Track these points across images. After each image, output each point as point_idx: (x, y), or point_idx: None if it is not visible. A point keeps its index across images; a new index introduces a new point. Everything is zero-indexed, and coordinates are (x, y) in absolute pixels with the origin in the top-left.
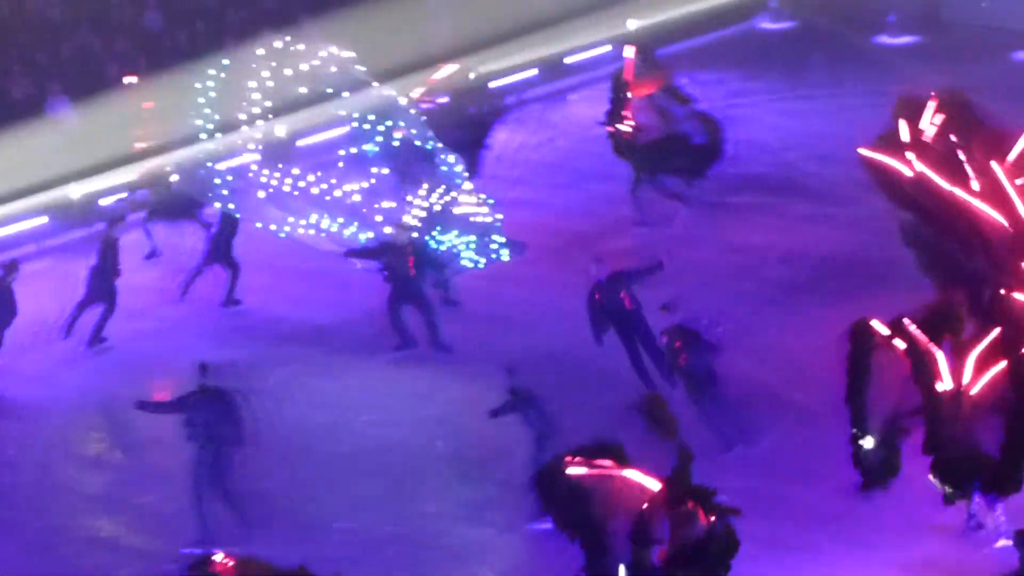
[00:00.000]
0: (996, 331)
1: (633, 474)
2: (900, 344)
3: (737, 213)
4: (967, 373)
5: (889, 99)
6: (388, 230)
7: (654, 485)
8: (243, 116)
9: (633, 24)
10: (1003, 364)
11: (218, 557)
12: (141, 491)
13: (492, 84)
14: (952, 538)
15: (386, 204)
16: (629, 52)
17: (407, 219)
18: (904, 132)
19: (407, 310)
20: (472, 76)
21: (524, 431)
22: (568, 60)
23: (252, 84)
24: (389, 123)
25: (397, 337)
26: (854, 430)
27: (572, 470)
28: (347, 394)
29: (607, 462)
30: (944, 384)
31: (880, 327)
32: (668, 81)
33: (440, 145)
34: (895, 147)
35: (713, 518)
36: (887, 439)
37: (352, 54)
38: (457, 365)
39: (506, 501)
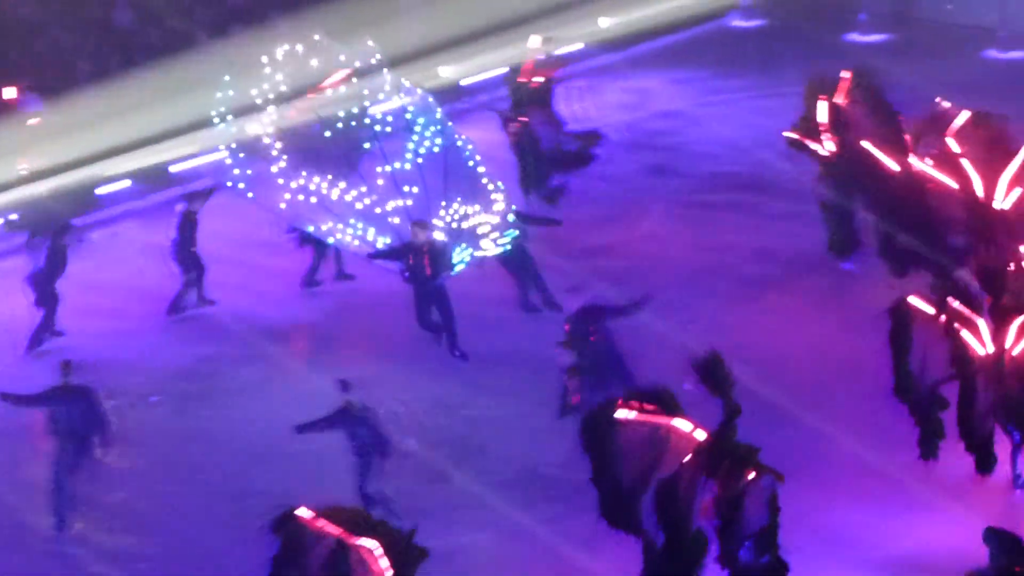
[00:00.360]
0: None
1: (682, 423)
2: (940, 317)
3: (710, 211)
4: (1010, 337)
5: None
6: (413, 230)
7: (701, 436)
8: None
9: (605, 23)
10: None
11: (301, 511)
12: (110, 489)
13: (463, 82)
14: (927, 537)
15: (398, 203)
16: (535, 42)
17: (427, 219)
18: (822, 113)
19: (433, 311)
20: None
21: (496, 429)
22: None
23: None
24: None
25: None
26: (905, 400)
27: (621, 413)
28: (317, 393)
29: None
30: (987, 349)
31: (920, 304)
32: (557, 76)
33: (461, 139)
34: (814, 130)
35: (754, 474)
36: (931, 409)
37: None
38: (427, 363)
39: (478, 500)
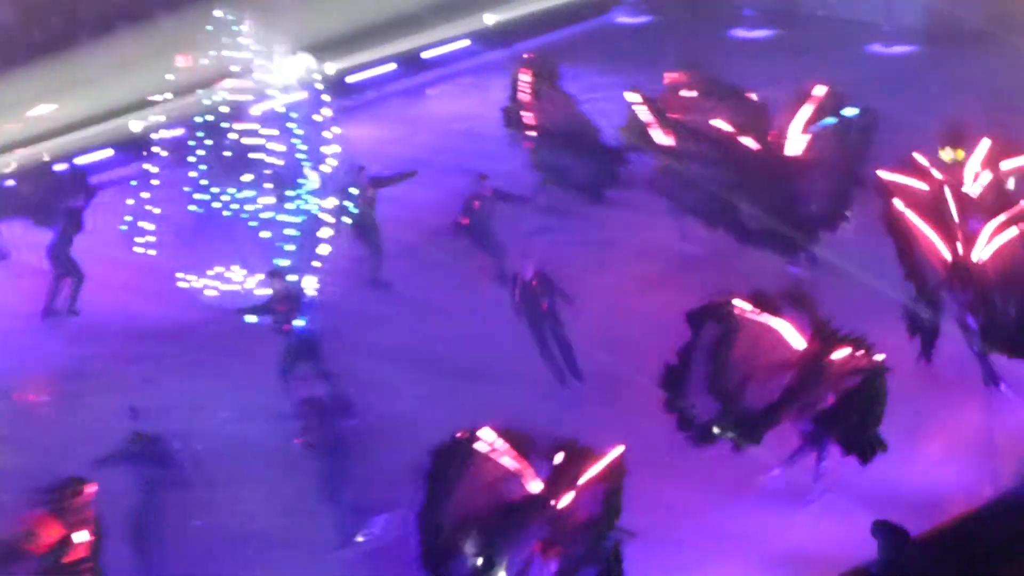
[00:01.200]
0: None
1: (785, 327)
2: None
3: (597, 208)
4: (981, 241)
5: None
6: (271, 280)
7: (800, 343)
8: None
9: (490, 19)
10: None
11: (483, 433)
12: None
13: (350, 79)
14: (815, 532)
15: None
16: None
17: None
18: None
19: (303, 367)
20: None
21: (386, 425)
22: (426, 55)
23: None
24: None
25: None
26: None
27: (738, 302)
28: (203, 392)
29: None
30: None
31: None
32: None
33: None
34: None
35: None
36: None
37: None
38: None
39: (364, 499)
